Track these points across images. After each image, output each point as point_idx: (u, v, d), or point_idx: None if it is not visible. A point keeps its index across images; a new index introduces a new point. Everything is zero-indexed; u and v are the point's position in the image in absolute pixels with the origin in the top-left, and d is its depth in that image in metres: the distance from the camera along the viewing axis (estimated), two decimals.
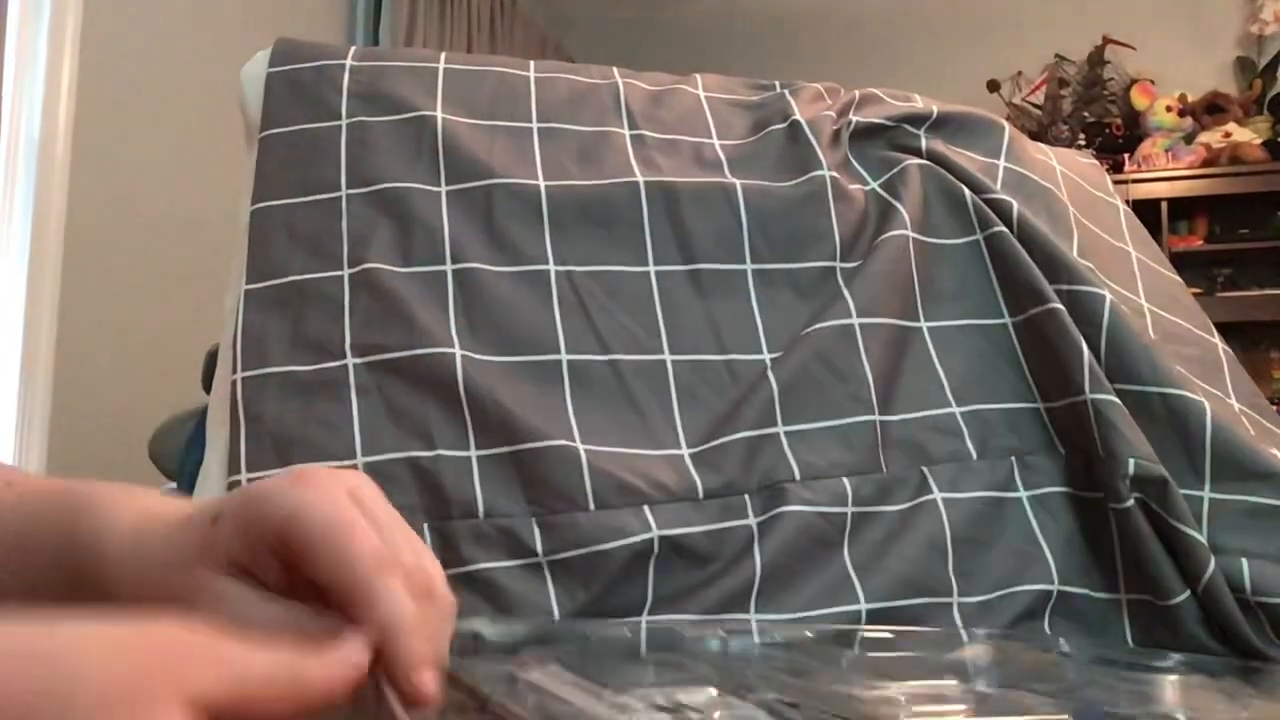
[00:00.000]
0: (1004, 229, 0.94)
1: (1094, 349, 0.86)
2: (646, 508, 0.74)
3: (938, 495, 0.82)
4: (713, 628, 0.67)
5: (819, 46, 4.41)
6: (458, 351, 0.80)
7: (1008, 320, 0.93)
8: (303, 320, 0.82)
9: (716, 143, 1.01)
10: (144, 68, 2.46)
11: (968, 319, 0.93)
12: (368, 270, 0.84)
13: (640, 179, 0.93)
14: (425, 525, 0.74)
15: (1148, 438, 0.81)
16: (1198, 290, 3.54)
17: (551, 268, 0.88)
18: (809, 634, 0.64)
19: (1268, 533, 0.81)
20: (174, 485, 1.12)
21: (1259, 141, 3.60)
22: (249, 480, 0.75)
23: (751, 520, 0.77)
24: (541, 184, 0.91)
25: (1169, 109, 3.78)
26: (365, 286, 0.83)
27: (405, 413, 0.78)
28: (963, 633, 0.76)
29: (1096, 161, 1.26)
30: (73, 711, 0.23)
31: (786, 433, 0.82)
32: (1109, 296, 0.89)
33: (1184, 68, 3.89)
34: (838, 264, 0.93)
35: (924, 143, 1.03)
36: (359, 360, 0.80)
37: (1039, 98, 4.00)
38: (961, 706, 0.53)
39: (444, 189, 0.90)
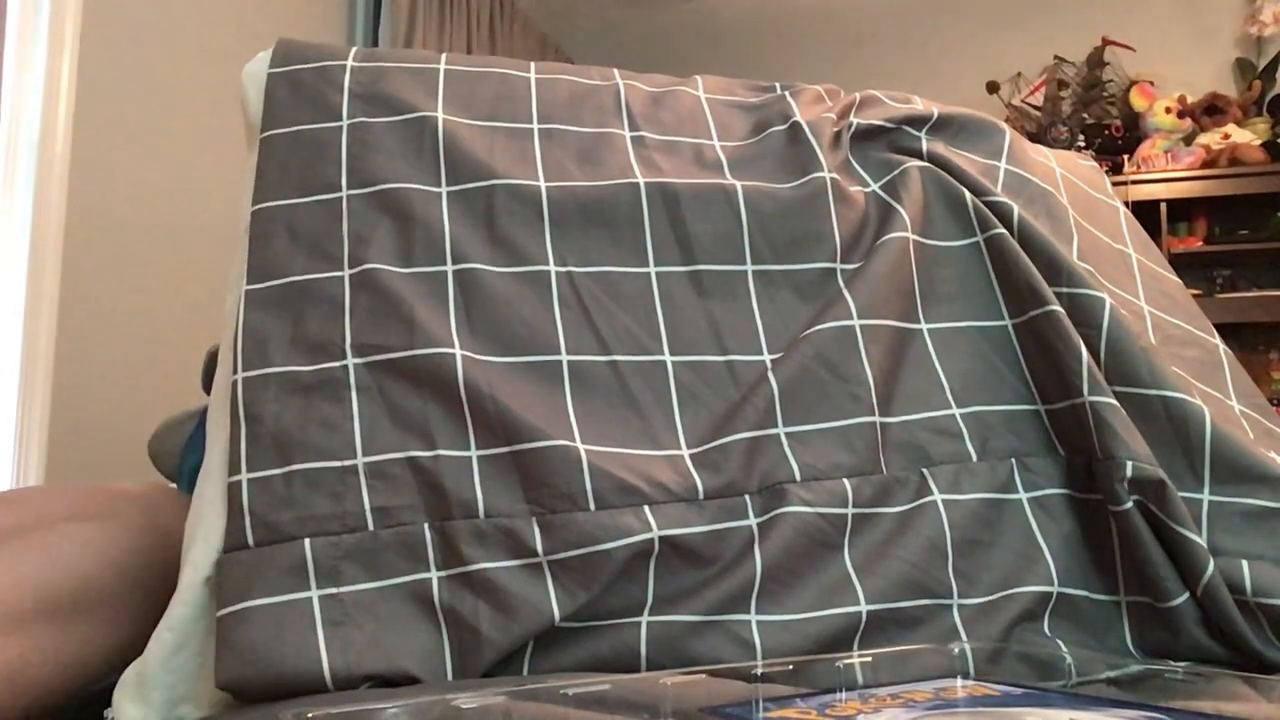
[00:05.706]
0: (1004, 231, 0.94)
1: (1093, 351, 0.86)
2: (647, 508, 0.74)
3: (938, 497, 0.82)
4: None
5: (818, 48, 4.41)
6: (458, 352, 0.80)
7: (1007, 322, 0.93)
8: (303, 321, 0.82)
9: (717, 144, 1.01)
10: (144, 67, 2.46)
11: (968, 321, 0.93)
12: (368, 271, 0.84)
13: (641, 180, 0.93)
14: (425, 525, 0.74)
15: (1147, 440, 0.81)
16: (1197, 292, 3.56)
17: (552, 268, 0.88)
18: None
19: (1268, 535, 0.81)
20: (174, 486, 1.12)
21: (1258, 143, 3.61)
22: (250, 480, 0.75)
23: (752, 521, 0.77)
24: (542, 185, 0.91)
25: (1168, 110, 3.79)
26: (366, 287, 0.83)
27: (405, 413, 0.78)
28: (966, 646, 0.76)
29: (1096, 163, 1.26)
30: None
31: (787, 434, 0.82)
32: (1109, 299, 0.89)
33: (1183, 69, 3.89)
34: (838, 265, 0.93)
35: (924, 145, 1.04)
36: (359, 360, 0.80)
37: (1038, 99, 4.00)
38: None
39: (445, 190, 0.90)
